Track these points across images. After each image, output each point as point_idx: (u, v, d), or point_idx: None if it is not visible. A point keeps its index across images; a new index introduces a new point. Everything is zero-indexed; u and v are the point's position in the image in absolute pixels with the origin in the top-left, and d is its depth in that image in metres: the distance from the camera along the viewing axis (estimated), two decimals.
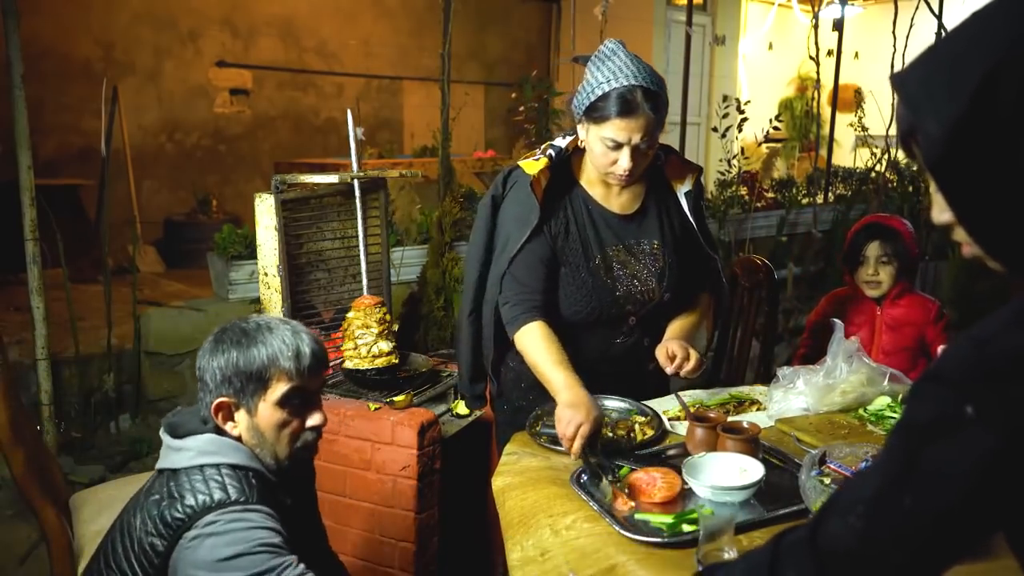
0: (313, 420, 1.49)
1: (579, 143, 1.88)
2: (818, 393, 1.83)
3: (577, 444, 1.57)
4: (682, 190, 1.98)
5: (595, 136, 1.79)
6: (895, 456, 0.78)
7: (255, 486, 1.40)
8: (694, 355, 1.82)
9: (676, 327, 1.98)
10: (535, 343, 1.79)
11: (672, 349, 1.83)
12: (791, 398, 1.86)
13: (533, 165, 1.87)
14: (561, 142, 1.90)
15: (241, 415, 1.45)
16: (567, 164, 1.93)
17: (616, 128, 1.74)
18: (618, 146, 1.76)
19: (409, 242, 3.94)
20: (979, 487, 0.71)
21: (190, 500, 1.35)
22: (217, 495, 1.36)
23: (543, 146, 1.94)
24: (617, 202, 1.94)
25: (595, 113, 1.75)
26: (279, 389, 1.43)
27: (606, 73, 1.74)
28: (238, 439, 1.46)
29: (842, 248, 2.81)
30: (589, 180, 1.93)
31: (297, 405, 1.46)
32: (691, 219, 1.98)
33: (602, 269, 1.89)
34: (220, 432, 1.46)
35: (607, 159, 1.79)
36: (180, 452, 1.43)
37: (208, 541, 1.31)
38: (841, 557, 0.79)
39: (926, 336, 2.64)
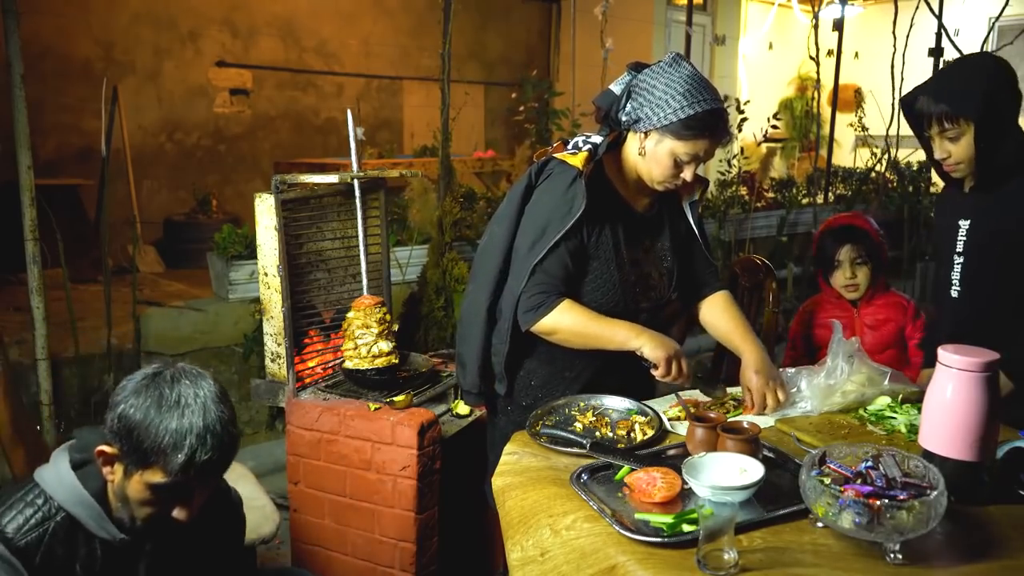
0: (177, 513, 1.43)
1: (620, 145, 1.88)
2: (820, 395, 1.84)
3: (687, 368, 1.80)
4: (687, 199, 2.02)
5: (668, 149, 1.78)
6: None
7: (51, 540, 1.40)
8: (771, 395, 1.83)
9: (740, 330, 1.98)
10: (580, 312, 1.84)
11: (753, 387, 1.84)
12: (792, 398, 1.86)
13: (575, 158, 1.86)
14: (597, 139, 1.89)
15: (118, 469, 1.42)
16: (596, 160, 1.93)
17: (700, 147, 1.77)
18: (691, 160, 1.79)
19: (418, 242, 3.94)
20: None
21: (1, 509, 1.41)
22: (5, 518, 1.39)
23: (572, 140, 1.93)
24: (639, 202, 1.96)
25: (684, 131, 1.74)
26: (155, 476, 1.37)
27: (692, 92, 1.73)
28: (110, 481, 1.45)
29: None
30: (619, 178, 1.93)
31: (166, 496, 1.41)
32: (695, 228, 2.03)
33: (626, 264, 1.91)
34: (88, 476, 1.45)
35: (674, 171, 1.81)
36: (46, 469, 1.47)
37: None
38: None
39: (905, 333, 2.64)
